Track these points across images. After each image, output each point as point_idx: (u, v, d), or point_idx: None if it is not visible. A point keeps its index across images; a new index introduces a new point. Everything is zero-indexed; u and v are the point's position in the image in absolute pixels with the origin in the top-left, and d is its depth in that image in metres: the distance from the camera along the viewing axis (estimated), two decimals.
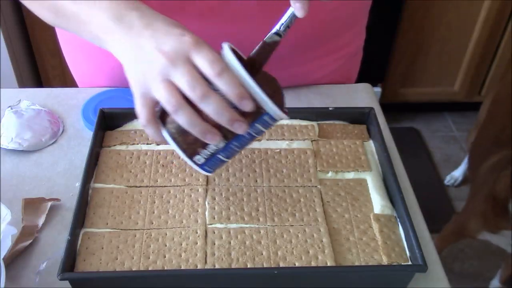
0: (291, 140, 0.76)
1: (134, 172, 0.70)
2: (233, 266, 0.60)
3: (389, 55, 2.10)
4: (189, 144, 0.55)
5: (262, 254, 0.61)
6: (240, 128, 0.53)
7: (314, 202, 0.67)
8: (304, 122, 0.78)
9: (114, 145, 0.74)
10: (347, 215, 0.67)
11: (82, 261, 0.60)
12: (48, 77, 1.99)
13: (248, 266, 0.60)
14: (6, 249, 0.61)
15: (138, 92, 0.55)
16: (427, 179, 2.11)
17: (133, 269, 0.60)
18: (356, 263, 0.61)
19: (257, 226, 0.64)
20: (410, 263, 0.61)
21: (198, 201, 0.67)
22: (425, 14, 1.99)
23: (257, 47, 0.56)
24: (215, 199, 0.67)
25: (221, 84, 0.51)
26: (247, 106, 0.52)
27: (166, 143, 0.56)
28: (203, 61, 0.52)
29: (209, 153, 0.56)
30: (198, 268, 0.60)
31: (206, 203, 0.67)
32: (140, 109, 0.55)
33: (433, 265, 0.64)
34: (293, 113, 0.79)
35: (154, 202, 0.67)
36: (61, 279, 0.56)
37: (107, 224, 0.64)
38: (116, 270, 0.59)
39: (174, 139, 0.55)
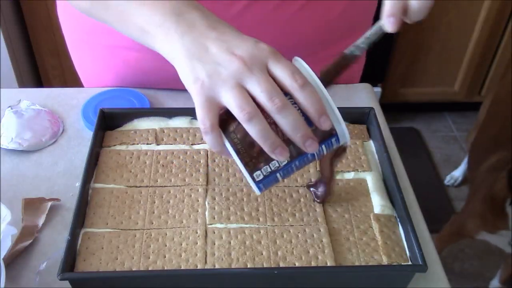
0: None
1: (134, 172, 0.70)
2: (233, 266, 0.60)
3: (389, 55, 2.10)
4: (253, 158, 0.52)
5: (262, 254, 0.61)
6: (311, 147, 0.50)
7: (314, 202, 0.67)
8: None
9: (114, 145, 0.74)
10: (347, 215, 0.67)
11: (82, 261, 0.60)
12: (48, 77, 1.99)
13: (248, 266, 0.60)
14: (6, 249, 0.61)
15: (202, 96, 0.50)
16: (427, 179, 2.11)
17: (133, 269, 0.60)
18: (356, 263, 0.61)
19: (257, 226, 0.64)
20: (410, 263, 0.61)
21: (198, 201, 0.67)
22: None
23: (333, 62, 0.54)
24: (215, 199, 0.67)
25: (303, 97, 0.49)
26: (326, 124, 0.50)
27: (225, 154, 0.53)
28: (284, 71, 0.49)
29: (269, 170, 0.53)
30: (198, 268, 0.60)
31: (206, 203, 0.67)
32: (204, 114, 0.50)
33: (433, 265, 0.64)
34: None
35: (154, 202, 0.67)
36: (61, 279, 0.56)
37: (107, 224, 0.64)
38: (116, 270, 0.59)
39: (237, 150, 0.51)
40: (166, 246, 0.62)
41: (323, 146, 0.53)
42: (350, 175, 0.72)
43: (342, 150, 0.61)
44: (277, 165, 0.52)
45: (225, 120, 0.52)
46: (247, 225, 0.64)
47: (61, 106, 0.86)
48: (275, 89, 0.49)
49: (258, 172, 0.52)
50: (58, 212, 0.69)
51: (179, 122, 0.77)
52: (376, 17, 0.90)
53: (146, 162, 0.72)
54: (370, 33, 0.54)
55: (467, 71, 2.17)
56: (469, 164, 1.77)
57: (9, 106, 0.84)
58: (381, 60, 2.10)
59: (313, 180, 0.70)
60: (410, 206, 0.67)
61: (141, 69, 0.86)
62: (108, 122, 0.76)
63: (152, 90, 0.88)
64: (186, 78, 0.51)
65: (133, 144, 0.75)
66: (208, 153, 0.73)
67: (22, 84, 1.84)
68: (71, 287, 0.59)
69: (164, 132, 0.76)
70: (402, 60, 2.12)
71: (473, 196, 1.52)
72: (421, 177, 2.09)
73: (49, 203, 0.69)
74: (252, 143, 0.50)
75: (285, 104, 0.48)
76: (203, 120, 0.50)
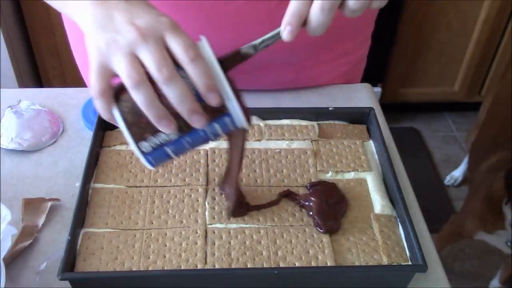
0: (291, 140, 0.76)
1: (134, 172, 0.70)
2: (233, 266, 0.60)
3: (389, 55, 2.10)
4: (139, 127, 0.51)
5: (262, 254, 0.61)
6: (198, 122, 0.50)
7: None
8: (304, 122, 0.78)
9: (114, 145, 0.74)
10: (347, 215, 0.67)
11: (82, 261, 0.60)
12: (48, 77, 1.99)
13: (248, 266, 0.60)
14: (6, 249, 0.61)
15: (96, 62, 0.51)
16: (427, 179, 2.11)
17: (133, 269, 0.60)
18: (356, 263, 0.61)
19: (257, 226, 0.64)
20: (410, 263, 0.61)
21: (198, 201, 0.67)
22: (425, 14, 1.99)
23: (229, 53, 0.54)
24: (215, 199, 0.67)
25: (193, 70, 0.49)
26: (214, 99, 0.50)
27: (114, 121, 0.52)
28: (178, 44, 0.49)
29: (158, 142, 0.52)
30: (198, 268, 0.60)
31: (206, 203, 0.67)
32: (95, 79, 0.50)
33: (433, 265, 0.64)
34: (293, 113, 0.79)
35: (154, 202, 0.67)
36: (61, 279, 0.56)
37: (107, 224, 0.64)
38: (116, 270, 0.59)
39: (124, 119, 0.51)
40: (166, 246, 0.62)
41: (216, 125, 0.52)
42: (350, 175, 0.72)
43: (241, 135, 0.60)
44: (165, 138, 0.51)
45: (119, 91, 0.51)
46: (247, 225, 0.64)
47: (61, 106, 0.86)
48: (165, 60, 0.49)
49: (145, 144, 0.51)
50: (58, 212, 0.69)
51: None
52: (378, 17, 0.91)
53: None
54: (268, 36, 0.53)
55: (467, 71, 2.17)
56: (469, 164, 1.77)
57: (9, 106, 0.84)
58: (381, 60, 2.10)
59: (313, 180, 0.70)
60: (410, 206, 0.67)
61: None
62: (108, 122, 0.76)
63: None
64: (88, 44, 0.52)
65: None
66: (208, 153, 0.73)
67: (22, 84, 1.84)
68: (71, 287, 0.59)
69: None
70: (402, 60, 2.12)
71: (473, 196, 1.53)
72: (421, 177, 2.09)
73: (49, 203, 0.69)
74: (140, 113, 0.50)
75: (173, 75, 0.48)
76: (94, 85, 0.51)
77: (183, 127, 0.51)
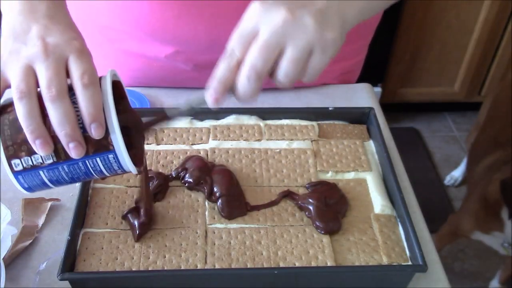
0: (291, 140, 0.76)
1: None
2: (233, 266, 0.60)
3: (389, 55, 2.10)
4: (15, 143, 0.48)
5: (262, 254, 0.61)
6: (74, 150, 0.47)
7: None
8: (304, 122, 0.78)
9: None
10: (347, 215, 0.67)
11: (82, 261, 0.60)
12: None
13: (248, 266, 0.60)
14: (6, 249, 0.61)
15: None
16: (427, 179, 2.11)
17: (133, 269, 0.60)
18: (356, 263, 0.61)
19: (257, 226, 0.64)
20: (410, 263, 0.61)
21: (198, 201, 0.67)
22: (425, 14, 1.99)
23: (156, 112, 0.52)
24: None
25: (82, 96, 0.46)
26: (95, 131, 0.46)
27: None
28: (77, 68, 0.48)
29: (31, 163, 0.48)
30: (198, 268, 0.60)
31: (206, 203, 0.67)
32: None
33: (433, 265, 0.64)
34: (293, 113, 0.79)
35: (154, 202, 0.67)
36: (61, 279, 0.56)
37: (107, 224, 0.64)
38: (116, 270, 0.59)
39: (2, 131, 0.48)
40: (166, 246, 0.62)
41: (98, 160, 0.49)
42: (350, 175, 0.72)
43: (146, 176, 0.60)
44: (40, 160, 0.48)
45: (8, 105, 0.49)
46: (247, 225, 0.64)
47: None
48: (59, 79, 0.47)
49: (17, 161, 0.48)
50: (58, 212, 0.69)
51: (179, 122, 0.77)
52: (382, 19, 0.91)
53: (146, 162, 0.72)
54: (193, 100, 0.52)
55: (467, 71, 2.17)
56: (467, 164, 1.77)
57: None
58: (381, 60, 2.10)
59: (313, 180, 0.70)
60: (410, 206, 0.67)
61: (143, 68, 0.86)
62: None
63: (152, 90, 0.88)
64: None
65: None
66: (208, 153, 0.73)
67: None
68: (71, 287, 0.59)
69: (164, 132, 0.76)
70: (402, 60, 2.12)
71: (470, 196, 1.53)
72: (421, 177, 2.09)
73: (49, 203, 0.69)
74: (19, 129, 0.47)
75: (61, 96, 0.46)
76: None
77: (61, 154, 0.48)
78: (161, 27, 0.78)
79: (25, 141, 0.47)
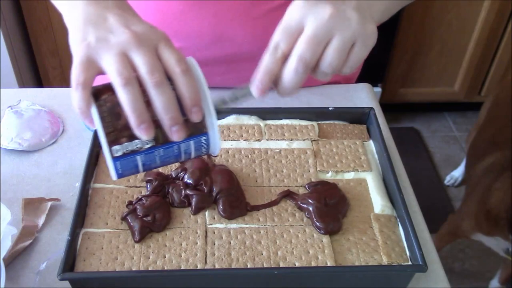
0: (291, 140, 0.76)
1: None
2: (233, 266, 0.60)
3: (389, 55, 2.10)
4: (116, 129, 0.48)
5: (262, 254, 0.61)
6: (178, 133, 0.49)
7: None
8: (304, 122, 0.78)
9: None
10: (347, 215, 0.67)
11: (82, 261, 0.60)
12: (48, 77, 1.99)
13: (248, 266, 0.60)
14: (6, 249, 0.61)
15: (83, 55, 0.49)
16: (427, 179, 2.11)
17: (133, 269, 0.60)
18: (356, 263, 0.61)
19: (257, 226, 0.64)
20: (410, 263, 0.61)
21: None
22: (425, 14, 1.99)
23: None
24: None
25: (183, 82, 0.48)
26: (197, 114, 0.49)
27: (88, 118, 0.49)
28: (171, 55, 0.49)
29: (130, 148, 0.49)
30: (198, 268, 0.60)
31: None
32: (80, 71, 0.48)
33: (433, 265, 0.64)
34: (293, 113, 0.79)
35: None
36: (61, 279, 0.56)
37: (107, 224, 0.64)
38: (116, 270, 0.59)
39: (102, 117, 0.48)
40: (166, 246, 0.62)
41: (191, 142, 0.51)
42: (350, 175, 0.72)
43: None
44: (139, 145, 0.49)
45: (99, 91, 0.49)
46: (247, 225, 0.64)
47: (61, 106, 0.86)
48: (157, 66, 0.48)
49: (118, 147, 0.49)
50: (58, 212, 0.69)
51: None
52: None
53: None
54: (238, 92, 0.53)
55: (467, 71, 2.17)
56: (466, 164, 1.77)
57: (9, 106, 0.84)
58: (381, 60, 2.10)
59: (313, 180, 0.70)
60: (410, 206, 0.67)
61: None
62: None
63: None
64: (75, 39, 0.50)
65: None
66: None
67: (22, 84, 1.83)
68: (71, 287, 0.59)
69: None
70: (402, 60, 2.12)
71: (469, 197, 1.54)
72: (421, 177, 2.09)
73: (49, 203, 0.69)
74: (119, 115, 0.48)
75: (163, 82, 0.47)
76: (78, 75, 0.48)
77: (159, 138, 0.50)
78: (165, 23, 0.78)
79: (125, 128, 0.48)
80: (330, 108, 0.80)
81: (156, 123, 0.48)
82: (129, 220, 0.63)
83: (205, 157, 0.72)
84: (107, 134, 0.48)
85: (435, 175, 2.14)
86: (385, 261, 0.61)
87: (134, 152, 0.50)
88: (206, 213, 0.66)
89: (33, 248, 0.65)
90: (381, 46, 2.22)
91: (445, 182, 2.10)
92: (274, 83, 0.52)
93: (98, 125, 0.49)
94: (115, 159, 0.50)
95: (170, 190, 0.67)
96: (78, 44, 0.50)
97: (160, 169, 0.70)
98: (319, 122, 0.79)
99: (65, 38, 0.94)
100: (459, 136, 2.32)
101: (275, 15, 0.72)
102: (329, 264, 0.60)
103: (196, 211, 0.65)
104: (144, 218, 0.63)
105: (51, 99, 0.88)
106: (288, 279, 0.61)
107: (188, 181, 0.67)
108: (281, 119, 0.79)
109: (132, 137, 0.49)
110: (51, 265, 0.63)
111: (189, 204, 0.66)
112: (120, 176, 0.52)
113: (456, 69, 2.19)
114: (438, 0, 1.95)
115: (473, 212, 1.44)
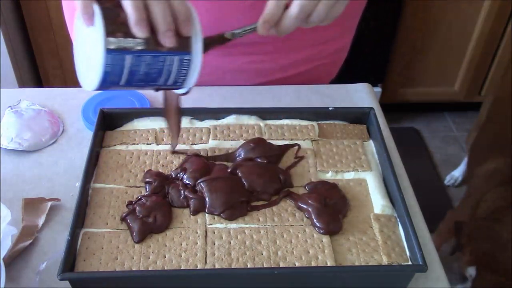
0: (291, 140, 0.76)
1: (134, 172, 0.70)
2: (233, 266, 0.60)
3: (389, 55, 2.10)
4: (114, 23, 0.53)
5: (262, 254, 0.61)
6: (170, 38, 0.54)
7: None
8: (304, 122, 0.78)
9: (114, 145, 0.74)
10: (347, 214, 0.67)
11: (82, 261, 0.60)
12: (48, 77, 1.99)
13: (248, 266, 0.60)
14: (6, 249, 0.61)
15: None
16: (427, 179, 2.11)
17: (133, 269, 0.59)
18: (356, 263, 0.61)
19: (257, 226, 0.64)
20: (410, 263, 0.61)
21: None
22: (425, 14, 1.99)
23: (213, 35, 0.60)
24: None
25: (178, 1, 0.54)
26: (187, 27, 0.55)
27: (90, 16, 0.53)
28: None
29: (123, 45, 0.53)
30: (198, 268, 0.60)
31: None
32: None
33: (433, 265, 0.64)
34: (293, 113, 0.79)
35: None
36: (61, 279, 0.56)
37: (107, 224, 0.64)
38: (116, 270, 0.59)
39: (103, 13, 0.53)
40: (166, 246, 0.62)
41: (176, 58, 0.56)
42: (350, 175, 0.72)
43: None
44: (131, 44, 0.54)
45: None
46: (247, 225, 0.64)
47: (61, 106, 0.86)
48: None
49: (113, 39, 0.53)
50: (58, 212, 0.69)
51: None
52: (371, 11, 0.91)
53: (146, 162, 0.72)
54: (247, 28, 0.62)
55: (467, 71, 2.17)
56: (468, 164, 1.77)
57: (9, 106, 0.84)
58: (381, 60, 2.10)
59: (313, 180, 0.70)
60: (410, 206, 0.67)
61: None
62: (108, 122, 0.76)
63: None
64: None
65: (133, 144, 0.75)
66: (208, 153, 0.73)
67: (22, 84, 1.83)
68: (71, 287, 0.59)
69: (164, 132, 0.76)
70: (402, 60, 2.12)
71: (468, 196, 1.55)
72: (421, 177, 2.09)
73: (49, 203, 0.69)
74: (118, 13, 0.53)
75: None
76: None
77: (150, 43, 0.54)
78: None
79: (124, 24, 0.53)
80: (330, 108, 0.80)
81: (150, 30, 0.53)
82: (129, 221, 0.63)
83: (205, 156, 0.72)
84: (106, 25, 0.52)
85: (435, 175, 2.14)
86: (385, 261, 0.61)
87: (125, 49, 0.54)
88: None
89: (33, 248, 0.65)
90: (381, 46, 2.22)
91: (445, 182, 2.10)
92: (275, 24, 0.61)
93: (98, 18, 0.53)
94: (107, 51, 0.53)
95: (169, 190, 0.67)
96: None
97: (160, 169, 0.70)
98: (319, 122, 0.78)
99: (65, 38, 0.94)
100: (459, 136, 2.32)
101: (255, 10, 0.72)
102: (329, 264, 0.60)
103: (195, 213, 0.65)
104: (145, 219, 0.63)
105: (51, 99, 0.88)
106: (288, 279, 0.61)
107: (187, 182, 0.67)
108: (281, 119, 0.79)
109: (126, 34, 0.53)
110: (51, 265, 0.63)
111: (188, 205, 0.66)
112: (104, 76, 0.54)
113: (456, 69, 2.19)
114: (438, 0, 1.95)
115: (470, 213, 1.46)
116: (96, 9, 0.53)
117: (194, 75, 0.58)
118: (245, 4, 0.78)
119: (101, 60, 0.53)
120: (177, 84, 0.59)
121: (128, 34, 0.53)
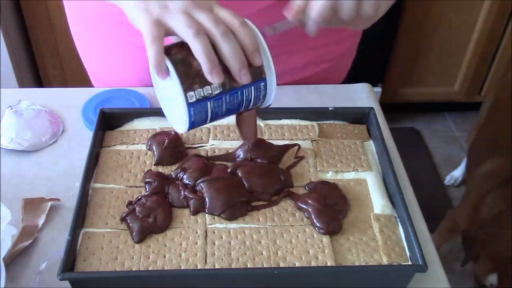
0: (291, 140, 0.76)
1: (134, 172, 0.70)
2: (233, 266, 0.60)
3: (389, 55, 2.10)
4: (189, 77, 0.54)
5: (262, 254, 0.61)
6: (245, 75, 0.55)
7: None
8: (304, 122, 0.78)
9: (114, 145, 0.74)
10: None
11: (82, 261, 0.60)
12: (48, 77, 1.99)
13: (248, 266, 0.60)
14: (6, 249, 0.61)
15: (152, 18, 0.54)
16: (427, 179, 2.11)
17: (133, 269, 0.60)
18: (356, 263, 0.61)
19: (257, 226, 0.64)
20: (410, 263, 0.61)
21: None
22: (425, 14, 1.99)
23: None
24: None
25: (243, 32, 0.54)
26: (259, 58, 0.55)
27: (163, 71, 0.54)
28: (227, 12, 0.55)
29: (202, 94, 0.55)
30: (198, 268, 0.60)
31: None
32: (152, 27, 0.53)
33: (433, 265, 0.64)
34: (293, 113, 0.79)
35: None
36: (61, 279, 0.56)
37: (107, 224, 0.64)
38: (116, 270, 0.59)
39: (176, 67, 0.54)
40: (166, 246, 0.62)
41: (252, 88, 0.57)
42: (350, 175, 0.72)
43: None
44: (209, 91, 0.55)
45: (167, 48, 0.55)
46: (247, 225, 0.64)
47: (61, 106, 0.86)
48: (219, 19, 0.54)
49: (192, 93, 0.55)
50: (58, 212, 0.69)
51: None
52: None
53: (146, 162, 0.72)
54: (278, 25, 0.62)
55: (467, 71, 2.17)
56: (467, 164, 1.77)
57: (9, 106, 0.84)
58: (381, 60, 2.10)
59: (313, 180, 0.70)
60: (410, 206, 0.67)
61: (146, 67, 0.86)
62: (108, 122, 0.76)
63: (152, 90, 0.88)
64: (136, 12, 0.55)
65: (133, 144, 0.75)
66: (208, 153, 0.73)
67: (22, 84, 1.83)
68: (71, 287, 0.59)
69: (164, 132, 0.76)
70: (402, 60, 2.12)
71: (468, 196, 1.55)
72: (421, 177, 2.09)
73: (49, 203, 0.69)
74: (190, 64, 0.54)
75: (228, 31, 0.54)
76: (151, 31, 0.53)
77: (226, 84, 0.56)
78: None
79: (197, 75, 0.54)
80: (330, 108, 0.80)
81: (223, 71, 0.54)
82: (129, 221, 0.63)
83: (205, 156, 0.72)
84: (182, 81, 0.54)
85: (435, 175, 2.14)
86: (385, 261, 0.61)
87: (205, 98, 0.55)
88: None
89: (33, 248, 0.65)
90: (381, 46, 2.22)
91: (445, 182, 2.10)
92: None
93: (173, 75, 0.54)
94: (189, 105, 0.55)
95: (169, 190, 0.67)
96: (141, 14, 0.55)
97: (160, 169, 0.70)
98: (319, 122, 0.79)
99: (65, 38, 0.94)
100: (459, 136, 2.32)
101: (263, 15, 0.72)
102: (329, 264, 0.60)
103: (195, 213, 0.65)
104: (145, 219, 0.63)
105: (51, 99, 0.88)
106: (288, 279, 0.61)
107: (187, 182, 0.67)
108: (281, 119, 0.79)
109: (202, 83, 0.55)
110: (51, 265, 0.63)
111: (188, 205, 0.66)
112: (191, 125, 0.57)
113: (456, 69, 2.19)
114: (438, 0, 1.95)
115: (468, 214, 1.46)
116: (170, 66, 0.54)
117: (272, 93, 0.59)
118: (262, 4, 0.77)
119: (186, 114, 0.56)
120: (257, 105, 0.61)
121: (204, 83, 0.55)
